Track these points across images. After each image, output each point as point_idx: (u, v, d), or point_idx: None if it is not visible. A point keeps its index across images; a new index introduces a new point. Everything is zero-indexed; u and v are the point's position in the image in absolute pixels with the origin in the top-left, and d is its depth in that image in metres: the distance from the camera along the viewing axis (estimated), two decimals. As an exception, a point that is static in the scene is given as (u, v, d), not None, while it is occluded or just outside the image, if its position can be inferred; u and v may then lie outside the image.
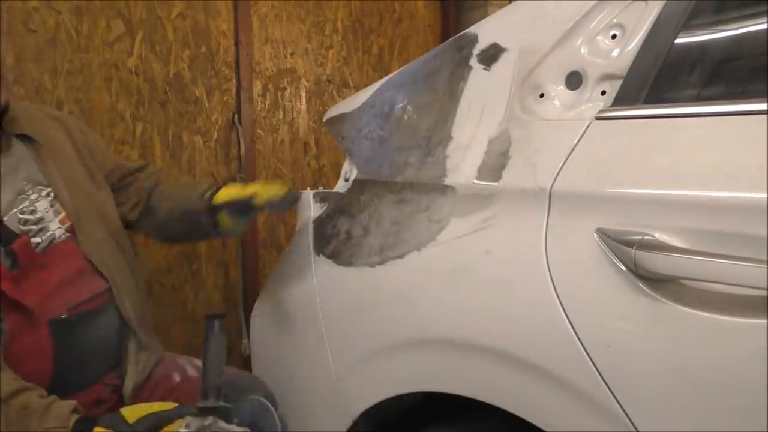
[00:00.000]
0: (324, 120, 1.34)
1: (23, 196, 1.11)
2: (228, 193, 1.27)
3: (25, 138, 1.16)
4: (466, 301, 0.89)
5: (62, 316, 1.08)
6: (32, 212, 1.10)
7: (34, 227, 1.09)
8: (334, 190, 1.25)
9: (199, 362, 1.29)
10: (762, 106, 0.68)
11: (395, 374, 1.00)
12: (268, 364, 1.35)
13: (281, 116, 2.30)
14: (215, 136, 2.14)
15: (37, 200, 1.12)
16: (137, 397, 1.20)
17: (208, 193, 1.28)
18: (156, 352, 1.28)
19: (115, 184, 1.34)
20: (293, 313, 1.24)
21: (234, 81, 2.17)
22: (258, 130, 2.25)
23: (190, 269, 2.10)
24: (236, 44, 2.16)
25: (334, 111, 1.31)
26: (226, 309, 1.23)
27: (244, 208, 1.25)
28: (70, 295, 1.11)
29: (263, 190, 1.23)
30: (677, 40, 0.81)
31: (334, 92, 2.42)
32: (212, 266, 2.16)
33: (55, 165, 1.17)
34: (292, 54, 2.31)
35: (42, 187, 1.14)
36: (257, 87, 2.23)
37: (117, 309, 1.18)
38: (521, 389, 0.82)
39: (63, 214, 1.14)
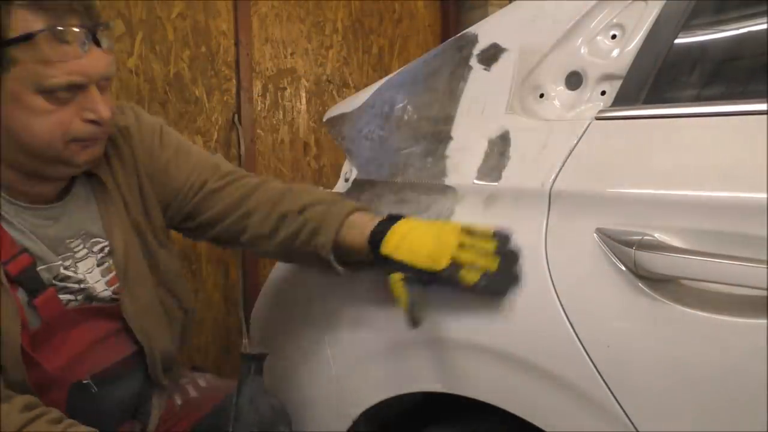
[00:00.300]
0: (324, 120, 1.34)
1: (68, 253, 0.99)
2: (408, 248, 0.88)
3: (92, 177, 1.02)
4: (466, 300, 0.89)
5: (83, 382, 0.98)
6: (75, 271, 0.99)
7: (75, 286, 0.98)
8: (334, 190, 1.25)
9: (202, 380, 1.24)
10: (762, 106, 0.68)
11: (395, 374, 1.00)
12: (268, 364, 1.35)
13: (281, 116, 2.30)
14: (215, 136, 2.14)
15: (84, 257, 1.00)
16: None
17: (366, 234, 0.94)
18: (175, 385, 1.18)
19: (188, 207, 1.09)
20: (293, 313, 1.24)
21: (234, 81, 2.17)
22: (258, 130, 2.25)
23: (190, 269, 2.10)
24: (236, 44, 2.16)
25: (334, 111, 1.31)
26: (265, 351, 1.07)
27: (430, 279, 0.88)
28: (98, 359, 1.00)
29: (465, 253, 0.84)
30: (677, 40, 0.81)
31: (334, 92, 2.42)
32: (212, 266, 2.16)
33: (118, 212, 1.03)
34: (292, 54, 2.31)
35: (98, 240, 1.02)
36: (257, 87, 2.23)
37: (145, 370, 1.08)
38: (521, 389, 0.82)
39: (113, 275, 1.02)
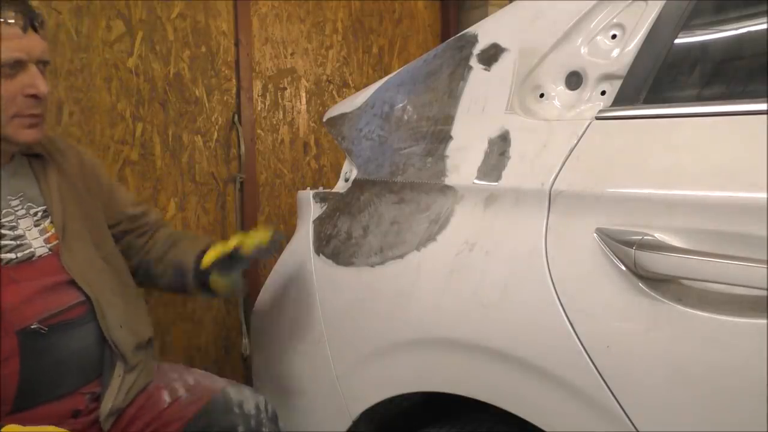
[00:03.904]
0: (324, 120, 1.34)
1: (8, 210, 1.09)
2: (213, 253, 1.23)
3: (33, 156, 1.16)
4: (466, 301, 0.89)
5: (32, 327, 1.03)
6: (12, 228, 1.07)
7: (12, 243, 1.06)
8: (334, 190, 1.25)
9: (191, 377, 1.24)
10: (762, 106, 0.68)
11: (395, 374, 1.00)
12: (268, 364, 1.35)
13: (281, 116, 2.30)
14: (215, 136, 2.14)
15: (23, 217, 1.10)
16: (117, 421, 1.14)
17: (196, 256, 1.26)
18: (147, 375, 1.20)
19: (118, 233, 1.30)
20: (293, 313, 1.24)
21: (234, 81, 2.17)
22: (258, 130, 2.24)
23: (190, 269, 2.10)
24: (236, 44, 2.16)
25: (334, 111, 1.31)
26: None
27: (232, 263, 1.23)
28: (43, 305, 1.06)
29: (247, 239, 1.21)
30: (677, 40, 0.81)
31: (334, 92, 2.42)
32: (212, 266, 2.16)
33: (56, 183, 1.16)
34: (292, 54, 2.31)
35: (32, 205, 1.12)
36: (257, 87, 2.23)
37: (97, 323, 1.12)
38: (521, 389, 0.82)
39: (51, 233, 1.11)
